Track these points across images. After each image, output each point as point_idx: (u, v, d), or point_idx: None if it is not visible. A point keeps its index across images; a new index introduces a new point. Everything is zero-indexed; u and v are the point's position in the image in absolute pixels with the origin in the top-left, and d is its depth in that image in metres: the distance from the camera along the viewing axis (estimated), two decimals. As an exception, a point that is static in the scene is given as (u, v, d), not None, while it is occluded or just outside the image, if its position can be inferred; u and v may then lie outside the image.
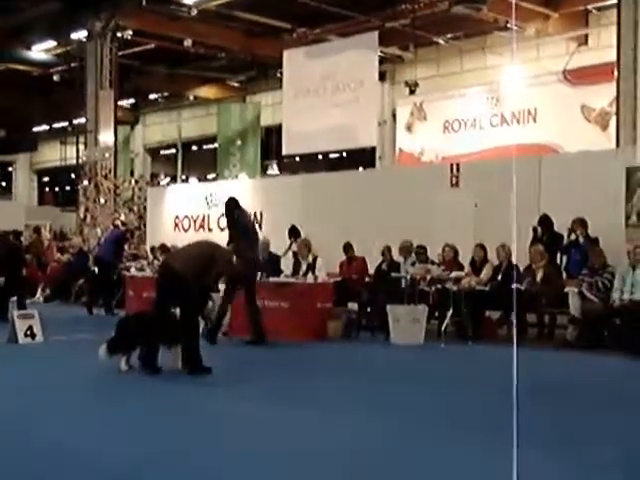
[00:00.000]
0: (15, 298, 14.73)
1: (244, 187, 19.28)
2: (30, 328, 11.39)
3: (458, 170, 14.66)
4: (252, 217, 12.54)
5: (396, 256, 13.86)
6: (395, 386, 8.40)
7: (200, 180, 28.99)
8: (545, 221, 12.62)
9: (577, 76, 20.93)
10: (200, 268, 8.84)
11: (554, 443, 5.75)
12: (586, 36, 21.84)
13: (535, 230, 12.61)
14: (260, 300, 12.11)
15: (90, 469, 5.08)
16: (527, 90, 21.63)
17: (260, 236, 14.17)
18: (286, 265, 14.07)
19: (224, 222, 13.73)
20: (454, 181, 14.62)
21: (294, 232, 14.84)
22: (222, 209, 13.44)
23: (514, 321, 8.60)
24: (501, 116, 22.32)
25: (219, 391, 8.11)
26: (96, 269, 17.26)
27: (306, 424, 6.47)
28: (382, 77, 24.81)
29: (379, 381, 8.73)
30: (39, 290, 20.09)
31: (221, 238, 12.26)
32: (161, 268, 9.67)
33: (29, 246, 20.33)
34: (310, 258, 13.53)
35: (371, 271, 14.23)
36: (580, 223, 12.22)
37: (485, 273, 12.67)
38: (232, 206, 12.18)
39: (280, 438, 5.94)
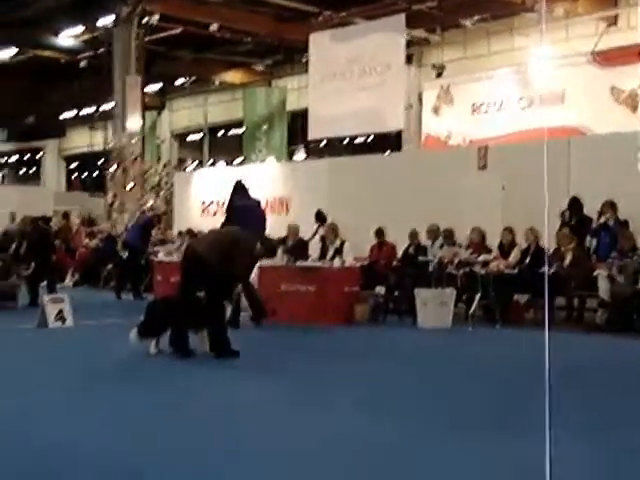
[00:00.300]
0: (45, 283, 14.91)
1: (271, 171, 19.30)
2: (60, 312, 11.50)
3: (486, 153, 14.56)
4: (258, 203, 12.30)
5: (423, 240, 13.82)
6: (423, 369, 8.40)
7: (227, 164, 29.02)
8: (574, 204, 12.53)
9: (606, 57, 20.62)
10: (224, 252, 8.85)
11: (584, 426, 5.71)
12: (615, 16, 21.52)
13: (563, 215, 12.51)
14: (287, 284, 12.19)
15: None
16: (556, 72, 21.34)
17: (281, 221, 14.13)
18: (313, 249, 14.08)
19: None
20: (482, 164, 14.53)
21: (320, 217, 14.82)
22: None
23: (546, 304, 8.52)
24: (529, 98, 22.09)
25: (246, 375, 8.12)
26: (124, 254, 17.41)
27: (332, 408, 6.46)
28: (409, 60, 24.54)
29: (406, 364, 8.72)
30: (68, 275, 20.29)
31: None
32: (186, 252, 9.69)
33: (58, 231, 20.46)
34: (338, 242, 13.52)
35: (398, 255, 14.20)
36: (610, 206, 12.13)
37: (513, 256, 12.61)
38: (233, 189, 12.24)
39: (305, 422, 5.95)
